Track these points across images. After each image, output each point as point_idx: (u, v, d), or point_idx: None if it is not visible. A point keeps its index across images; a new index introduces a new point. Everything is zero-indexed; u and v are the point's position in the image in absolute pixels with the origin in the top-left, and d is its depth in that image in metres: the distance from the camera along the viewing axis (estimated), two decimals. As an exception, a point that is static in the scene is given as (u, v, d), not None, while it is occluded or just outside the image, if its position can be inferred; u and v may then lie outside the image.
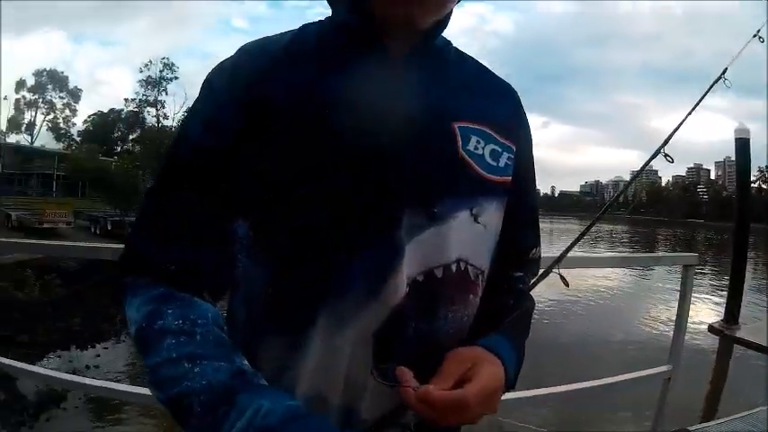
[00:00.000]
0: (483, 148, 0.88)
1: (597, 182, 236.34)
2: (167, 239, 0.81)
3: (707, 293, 14.94)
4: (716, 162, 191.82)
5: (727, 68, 1.27)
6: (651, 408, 3.62)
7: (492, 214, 0.89)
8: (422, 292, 0.83)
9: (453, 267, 0.85)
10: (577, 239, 0.97)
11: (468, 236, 0.86)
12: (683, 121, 1.19)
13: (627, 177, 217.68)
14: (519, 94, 1.01)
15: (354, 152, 0.80)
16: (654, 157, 1.10)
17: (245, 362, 0.76)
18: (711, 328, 10.67)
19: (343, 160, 0.80)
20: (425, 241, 0.82)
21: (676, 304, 3.40)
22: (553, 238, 51.29)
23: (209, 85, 0.88)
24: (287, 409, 0.69)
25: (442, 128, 0.85)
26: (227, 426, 0.67)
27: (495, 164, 0.89)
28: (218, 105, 0.84)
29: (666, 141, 1.12)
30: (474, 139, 0.87)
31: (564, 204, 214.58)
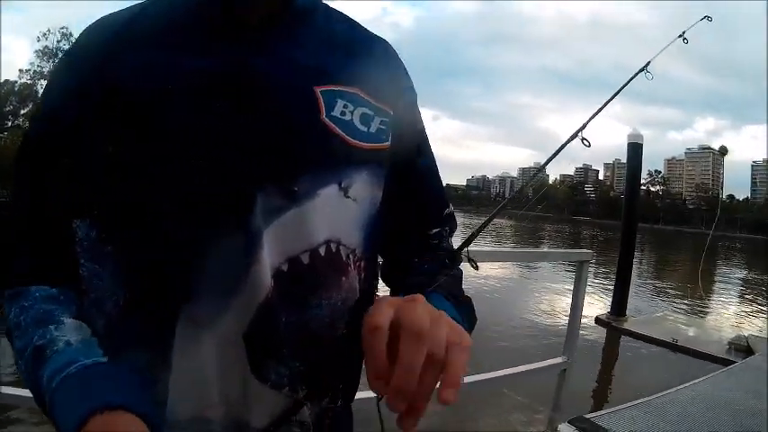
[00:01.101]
0: (352, 113, 0.78)
1: (484, 177, 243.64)
2: (19, 238, 0.76)
3: (592, 287, 15.73)
4: (605, 163, 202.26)
5: (650, 62, 1.34)
6: (543, 398, 3.82)
7: (364, 186, 0.80)
8: (289, 282, 0.74)
9: (322, 250, 0.76)
10: (484, 225, 0.93)
11: (337, 213, 0.77)
12: (603, 107, 1.21)
13: (514, 174, 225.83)
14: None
15: (200, 131, 0.71)
16: (571, 139, 1.09)
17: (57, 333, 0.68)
18: (599, 320, 11.35)
19: (188, 140, 0.70)
20: (287, 225, 0.73)
21: (559, 298, 3.58)
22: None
23: (58, 65, 0.81)
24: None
25: (301, 94, 0.76)
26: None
27: (365, 129, 0.80)
28: (62, 88, 0.77)
29: (584, 126, 1.07)
30: (340, 103, 0.78)
31: (450, 197, 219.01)
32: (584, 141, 1.07)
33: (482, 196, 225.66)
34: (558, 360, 3.62)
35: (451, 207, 0.99)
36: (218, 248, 0.70)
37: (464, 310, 0.81)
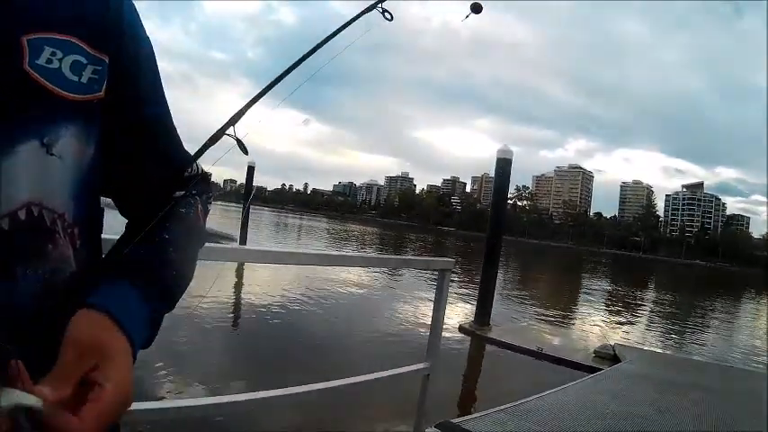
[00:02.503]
0: (61, 61, 0.71)
1: (351, 183, 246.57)
2: None
3: (455, 296, 16.18)
4: (473, 176, 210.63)
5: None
6: (409, 404, 3.87)
7: (72, 141, 0.73)
8: None
9: (23, 214, 0.68)
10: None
11: (40, 172, 0.70)
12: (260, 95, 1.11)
13: (381, 182, 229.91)
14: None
15: None
16: (219, 135, 1.00)
17: None
18: (462, 329, 11.68)
19: None
20: None
21: (424, 306, 3.65)
22: (302, 233, 52.56)
23: None
24: None
25: (5, 43, 0.67)
26: None
27: (76, 79, 0.72)
28: None
29: (235, 120, 1.00)
30: (48, 50, 0.70)
31: (316, 203, 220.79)
32: (240, 145, 0.98)
33: (348, 203, 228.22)
34: (421, 365, 3.64)
35: (200, 168, 0.94)
36: None
37: (153, 293, 0.74)
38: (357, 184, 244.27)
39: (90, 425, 0.57)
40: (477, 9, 1.48)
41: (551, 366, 9.26)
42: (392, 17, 1.30)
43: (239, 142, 0.95)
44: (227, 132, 0.96)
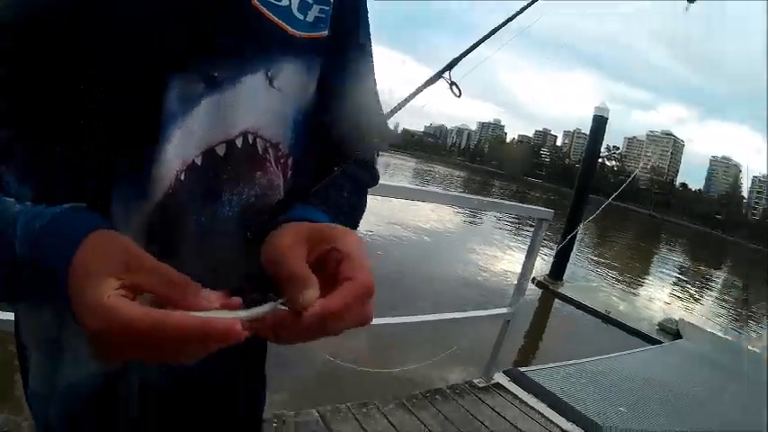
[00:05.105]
0: (290, 0, 0.72)
1: (442, 126, 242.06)
2: None
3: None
4: (564, 131, 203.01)
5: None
6: (480, 346, 3.86)
7: (293, 76, 0.74)
8: (200, 177, 0.68)
9: (239, 142, 0.70)
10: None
11: (260, 103, 0.71)
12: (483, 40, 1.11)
13: (473, 127, 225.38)
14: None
15: (118, 12, 0.62)
16: (436, 78, 1.00)
17: None
18: (538, 282, 11.65)
19: (105, 22, 0.62)
20: (203, 114, 0.67)
21: (504, 252, 3.64)
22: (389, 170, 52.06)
23: None
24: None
25: None
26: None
27: (302, 17, 0.73)
28: None
29: (452, 65, 1.01)
30: None
31: (406, 142, 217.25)
32: (454, 88, 0.97)
33: (438, 145, 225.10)
34: (504, 310, 3.71)
35: (383, 120, 0.95)
36: (119, 142, 0.64)
37: (341, 221, 0.72)
38: (448, 128, 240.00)
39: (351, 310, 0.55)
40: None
41: (616, 331, 9.20)
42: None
43: (454, 85, 0.92)
44: (443, 76, 0.97)
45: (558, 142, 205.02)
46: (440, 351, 5.81)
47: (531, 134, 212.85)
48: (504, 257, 14.61)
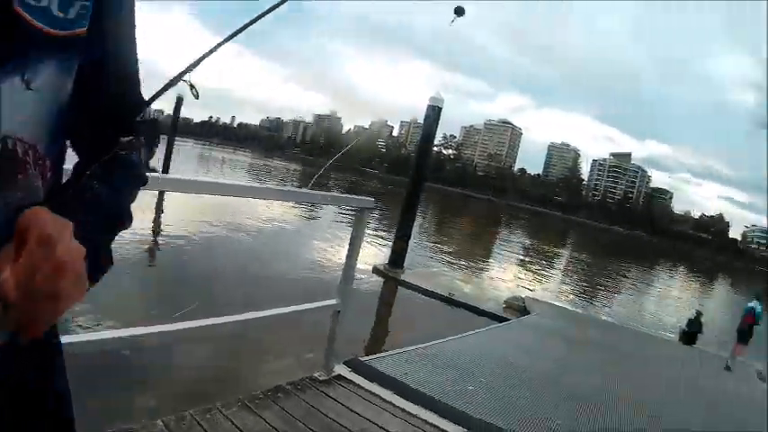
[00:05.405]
0: None
1: (278, 119, 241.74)
2: None
3: (372, 239, 16.30)
4: (402, 121, 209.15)
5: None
6: (319, 339, 3.97)
7: (51, 76, 0.74)
8: None
9: None
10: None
11: (17, 106, 0.70)
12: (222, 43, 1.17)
13: (309, 119, 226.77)
14: None
15: None
16: (175, 82, 1.05)
17: None
18: (376, 270, 11.81)
19: None
20: None
21: (340, 245, 3.71)
22: (224, 166, 51.84)
23: None
24: None
25: None
26: None
27: (62, 15, 0.73)
28: None
29: (192, 68, 1.06)
30: None
31: (242, 135, 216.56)
32: (193, 90, 1.04)
33: (274, 138, 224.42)
34: (332, 302, 3.71)
35: (153, 114, 0.96)
36: None
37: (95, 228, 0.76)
38: (284, 120, 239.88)
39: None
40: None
41: (462, 313, 9.51)
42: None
43: (193, 87, 1.01)
44: (183, 79, 1.00)
45: (395, 133, 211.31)
46: (276, 348, 5.70)
47: (367, 125, 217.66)
48: (342, 250, 14.80)
